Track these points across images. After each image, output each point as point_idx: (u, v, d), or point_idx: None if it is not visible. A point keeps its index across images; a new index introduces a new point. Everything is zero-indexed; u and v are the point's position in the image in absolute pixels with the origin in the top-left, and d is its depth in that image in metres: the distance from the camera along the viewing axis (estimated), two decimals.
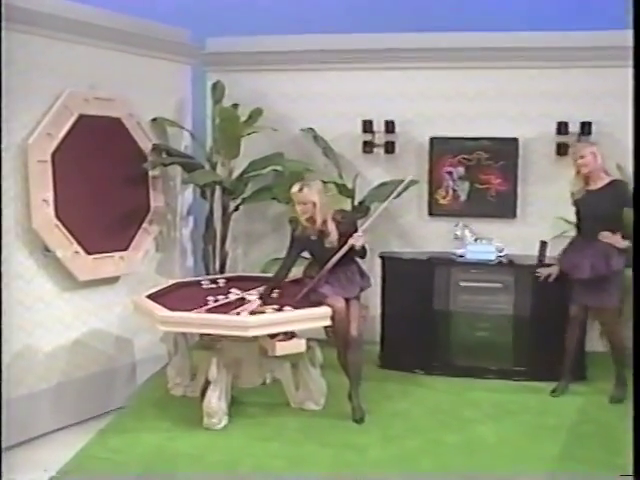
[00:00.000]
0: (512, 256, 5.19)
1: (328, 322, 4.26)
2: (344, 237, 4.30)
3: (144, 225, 5.21)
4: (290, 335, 4.17)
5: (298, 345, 4.16)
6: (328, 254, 4.31)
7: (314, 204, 4.24)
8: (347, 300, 4.33)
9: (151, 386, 5.00)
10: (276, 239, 5.83)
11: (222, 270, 5.71)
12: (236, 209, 5.72)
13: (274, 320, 4.09)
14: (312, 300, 4.29)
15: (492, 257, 5.18)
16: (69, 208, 4.58)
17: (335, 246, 4.29)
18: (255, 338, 4.15)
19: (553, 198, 5.48)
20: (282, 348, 4.10)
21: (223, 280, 5.06)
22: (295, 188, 4.28)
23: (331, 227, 4.31)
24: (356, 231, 4.32)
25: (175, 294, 4.69)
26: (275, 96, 5.84)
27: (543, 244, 5.03)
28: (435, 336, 5.18)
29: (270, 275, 5.01)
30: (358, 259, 4.48)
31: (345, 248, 4.26)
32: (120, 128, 4.96)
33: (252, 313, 4.15)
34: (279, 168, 5.55)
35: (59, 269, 4.62)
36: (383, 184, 5.52)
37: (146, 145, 5.17)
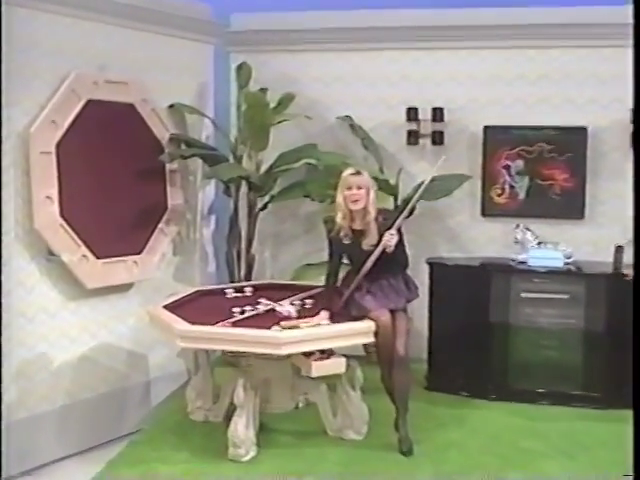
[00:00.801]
0: (581, 263, 5.11)
1: (371, 338, 4.13)
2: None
3: (160, 225, 5.17)
4: (328, 353, 4.05)
5: (337, 365, 4.05)
6: (367, 257, 4.19)
7: (368, 191, 4.14)
8: (392, 312, 4.18)
9: (168, 409, 4.94)
10: (308, 241, 5.81)
11: (248, 276, 5.66)
12: (264, 207, 5.66)
13: (310, 336, 3.97)
14: (353, 314, 4.17)
15: (559, 264, 5.08)
16: (76, 206, 4.53)
17: (373, 249, 4.17)
18: (287, 356, 4.04)
19: (628, 196, 5.26)
20: (319, 368, 3.99)
21: (250, 288, 5.02)
22: (349, 170, 4.21)
23: (373, 227, 4.19)
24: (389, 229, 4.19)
25: (196, 304, 4.65)
26: (308, 80, 5.79)
27: (619, 249, 4.93)
28: (491, 354, 5.06)
29: (300, 283, 5.05)
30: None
31: (379, 248, 4.13)
32: (134, 115, 4.93)
33: None
34: (312, 161, 5.50)
35: (64, 275, 4.56)
36: (430, 180, 5.32)
37: (163, 135, 5.14)
